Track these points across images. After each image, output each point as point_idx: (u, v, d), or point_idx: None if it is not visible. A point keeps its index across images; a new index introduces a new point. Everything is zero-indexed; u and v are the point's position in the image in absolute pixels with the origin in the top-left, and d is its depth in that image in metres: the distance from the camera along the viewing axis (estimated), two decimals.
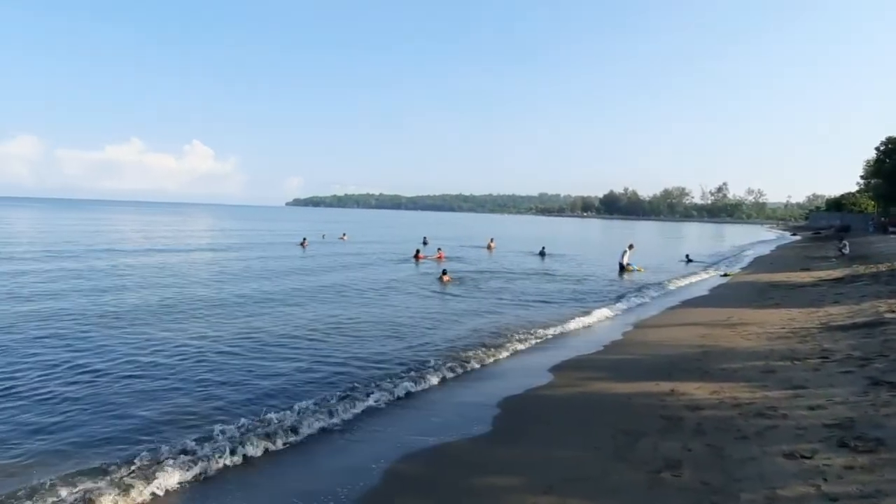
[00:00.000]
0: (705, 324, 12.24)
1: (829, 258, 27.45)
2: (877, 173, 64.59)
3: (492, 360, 9.81)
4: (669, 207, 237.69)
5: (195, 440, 6.09)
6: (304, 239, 38.26)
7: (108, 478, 5.20)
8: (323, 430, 6.58)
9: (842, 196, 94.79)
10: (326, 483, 5.25)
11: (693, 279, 22.98)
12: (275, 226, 71.27)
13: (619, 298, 17.13)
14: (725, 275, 24.23)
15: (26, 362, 8.80)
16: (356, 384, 8.17)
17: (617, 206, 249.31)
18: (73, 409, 6.97)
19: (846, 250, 28.50)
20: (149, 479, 5.17)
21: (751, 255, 37.39)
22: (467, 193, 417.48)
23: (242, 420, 6.66)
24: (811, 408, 6.06)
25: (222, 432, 6.29)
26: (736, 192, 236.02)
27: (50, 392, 7.53)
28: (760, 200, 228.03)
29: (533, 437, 6.27)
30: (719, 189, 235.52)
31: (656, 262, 29.85)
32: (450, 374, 8.80)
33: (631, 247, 26.32)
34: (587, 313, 14.40)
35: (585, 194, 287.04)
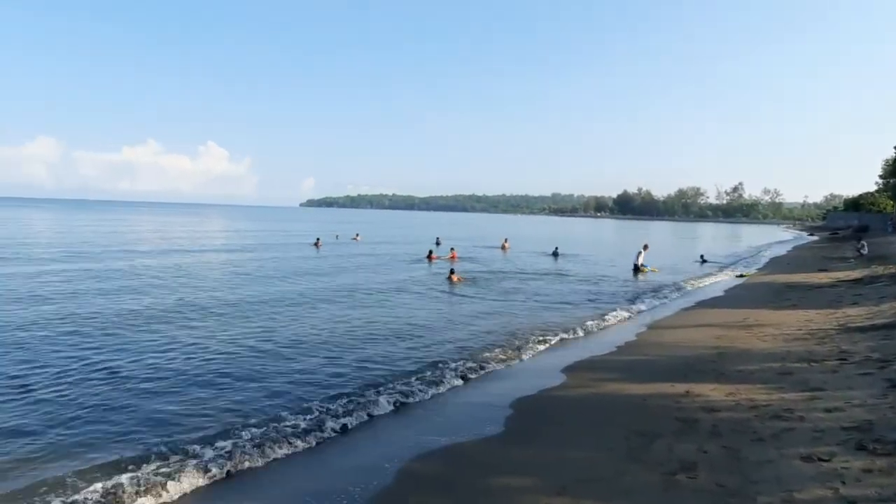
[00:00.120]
0: (721, 325, 12.13)
1: (847, 259, 27.08)
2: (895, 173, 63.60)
3: (504, 360, 9.78)
4: (684, 207, 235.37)
5: (208, 441, 6.16)
6: (318, 239, 38.43)
7: (127, 476, 5.27)
8: (336, 429, 6.60)
9: (860, 196, 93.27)
10: (340, 482, 5.27)
11: (708, 280, 22.77)
12: (289, 226, 71.66)
13: (634, 299, 17.02)
14: (741, 275, 23.99)
15: (45, 360, 8.93)
16: (369, 384, 8.21)
17: (630, 207, 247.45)
18: (90, 408, 7.05)
19: (864, 251, 28.06)
20: (165, 479, 5.23)
21: (767, 255, 36.98)
22: (480, 194, 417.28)
23: (257, 420, 6.74)
24: (829, 410, 5.99)
25: (238, 433, 6.35)
26: (752, 191, 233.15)
27: (67, 389, 7.63)
28: (777, 200, 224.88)
29: (546, 438, 6.25)
30: (735, 189, 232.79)
31: (671, 262, 29.62)
32: (462, 375, 8.79)
33: (646, 247, 26.14)
34: (601, 314, 14.33)
35: (599, 194, 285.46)
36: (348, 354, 9.87)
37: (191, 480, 5.24)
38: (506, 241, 39.48)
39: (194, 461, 5.60)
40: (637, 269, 24.49)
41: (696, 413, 6.44)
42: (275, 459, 5.84)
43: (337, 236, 46.67)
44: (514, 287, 19.11)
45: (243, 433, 6.31)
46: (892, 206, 74.50)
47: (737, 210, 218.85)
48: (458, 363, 9.40)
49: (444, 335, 11.60)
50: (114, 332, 11.01)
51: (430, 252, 29.57)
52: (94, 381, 8.04)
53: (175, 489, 5.10)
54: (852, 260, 26.05)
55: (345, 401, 7.47)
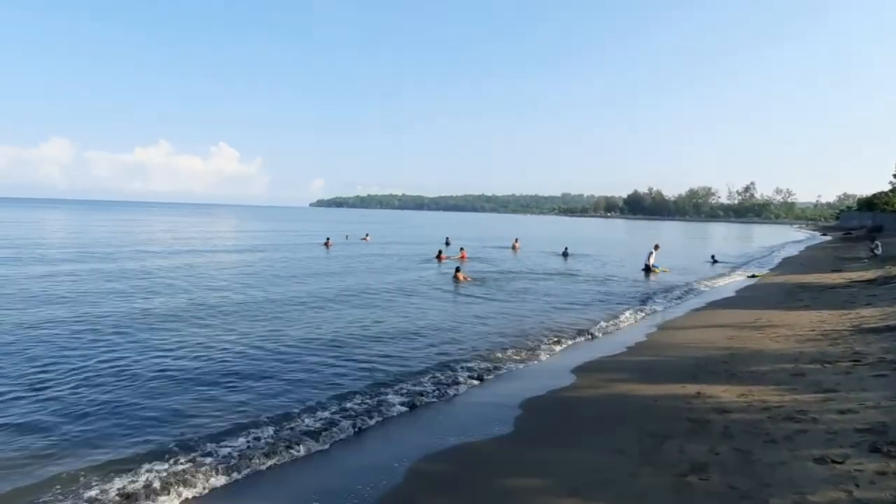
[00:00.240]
0: (732, 325, 12.05)
1: (860, 259, 26.79)
2: None
3: (514, 360, 9.77)
4: (695, 207, 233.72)
5: (220, 441, 6.22)
6: (328, 239, 38.57)
7: (142, 474, 5.34)
8: (347, 429, 6.61)
9: (874, 195, 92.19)
10: (350, 481, 5.30)
11: (720, 280, 22.63)
12: (299, 226, 71.93)
13: (645, 300, 16.96)
14: (753, 276, 23.81)
15: (58, 359, 9.03)
16: (379, 384, 8.24)
17: (641, 206, 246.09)
18: (103, 406, 7.12)
19: (878, 251, 27.75)
20: (178, 479, 5.28)
21: (779, 255, 36.69)
22: (490, 194, 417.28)
23: (269, 421, 6.80)
24: (842, 412, 5.92)
25: (250, 433, 6.40)
26: (764, 191, 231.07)
27: (81, 388, 7.71)
28: (789, 200, 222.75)
29: (556, 439, 6.24)
30: (746, 188, 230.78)
31: (681, 263, 29.45)
32: (472, 375, 8.78)
33: (657, 247, 26.01)
34: (612, 315, 14.28)
35: (609, 194, 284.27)
36: (358, 354, 9.90)
37: (203, 481, 5.27)
38: (516, 241, 39.40)
39: (207, 460, 5.65)
40: (648, 270, 24.38)
41: (707, 414, 6.40)
42: (287, 459, 5.86)
43: (347, 236, 46.79)
44: (524, 287, 19.08)
45: (255, 433, 6.36)
46: None
47: (748, 210, 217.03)
48: (468, 363, 9.40)
49: (453, 335, 11.60)
50: (126, 331, 11.11)
51: (440, 252, 29.58)
52: (108, 380, 8.11)
53: (187, 489, 5.14)
54: (866, 260, 25.76)
55: (356, 400, 7.50)
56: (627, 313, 14.49)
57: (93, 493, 4.98)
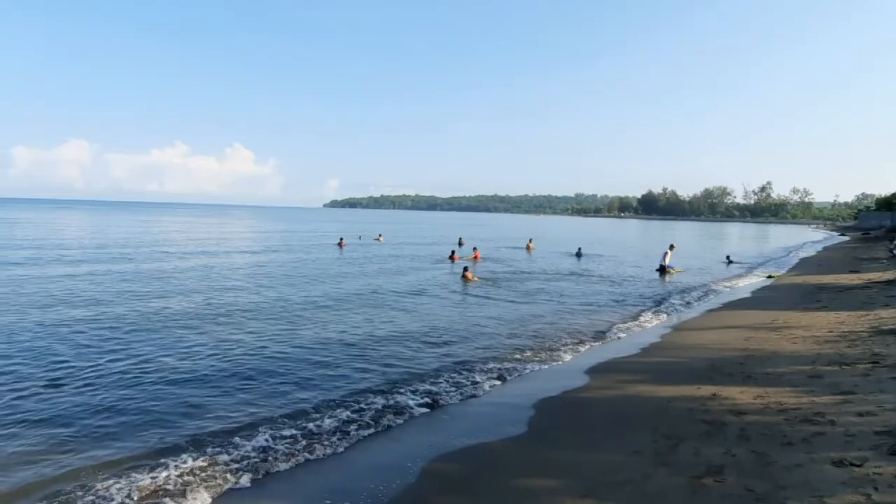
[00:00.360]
0: (748, 327, 11.94)
1: (879, 259, 26.43)
2: None
3: (527, 361, 9.76)
4: (710, 207, 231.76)
5: (235, 442, 6.29)
6: (342, 239, 38.82)
7: (161, 473, 5.42)
8: (360, 429, 6.65)
9: (893, 195, 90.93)
10: (364, 481, 5.33)
11: (736, 281, 22.42)
12: (313, 227, 72.34)
13: (660, 301, 16.85)
14: (770, 276, 23.57)
15: (76, 358, 9.16)
16: (393, 385, 8.28)
17: (655, 207, 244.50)
18: (120, 406, 7.23)
19: None
20: (194, 478, 5.36)
21: (796, 256, 36.28)
22: (503, 194, 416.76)
23: (285, 421, 6.87)
24: (860, 414, 5.86)
25: (266, 434, 6.46)
26: (780, 191, 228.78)
27: (99, 388, 7.83)
28: (806, 200, 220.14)
29: (570, 440, 6.23)
30: (763, 188, 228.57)
31: (697, 263, 29.24)
32: (486, 376, 8.79)
33: (672, 247, 25.84)
34: (626, 316, 14.22)
35: (623, 194, 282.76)
36: (372, 354, 9.95)
37: (220, 479, 5.33)
38: (531, 241, 39.32)
39: (223, 459, 5.73)
40: (663, 270, 24.22)
41: (723, 416, 6.35)
42: (301, 460, 5.90)
43: (360, 237, 46.96)
44: (537, 288, 19.04)
45: (270, 433, 6.43)
46: None
47: (765, 210, 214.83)
48: (481, 364, 9.42)
49: (466, 336, 11.61)
50: (143, 331, 11.26)
51: (453, 252, 29.62)
52: (124, 378, 8.23)
53: (205, 489, 5.19)
54: (885, 261, 25.42)
55: (369, 400, 7.55)
56: (642, 314, 14.41)
57: (110, 489, 5.06)
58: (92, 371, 8.54)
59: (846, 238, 62.22)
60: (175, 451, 5.93)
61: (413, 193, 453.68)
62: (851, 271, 22.27)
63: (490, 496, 4.97)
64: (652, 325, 13.24)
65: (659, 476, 4.99)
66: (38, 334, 10.69)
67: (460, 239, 42.39)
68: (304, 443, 6.18)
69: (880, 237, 51.11)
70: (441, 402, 7.65)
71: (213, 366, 9.02)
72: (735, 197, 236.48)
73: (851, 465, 4.68)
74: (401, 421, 6.97)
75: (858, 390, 6.69)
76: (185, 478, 5.30)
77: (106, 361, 9.06)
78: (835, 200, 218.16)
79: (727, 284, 21.29)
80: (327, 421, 6.81)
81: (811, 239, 63.76)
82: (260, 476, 5.47)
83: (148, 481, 5.22)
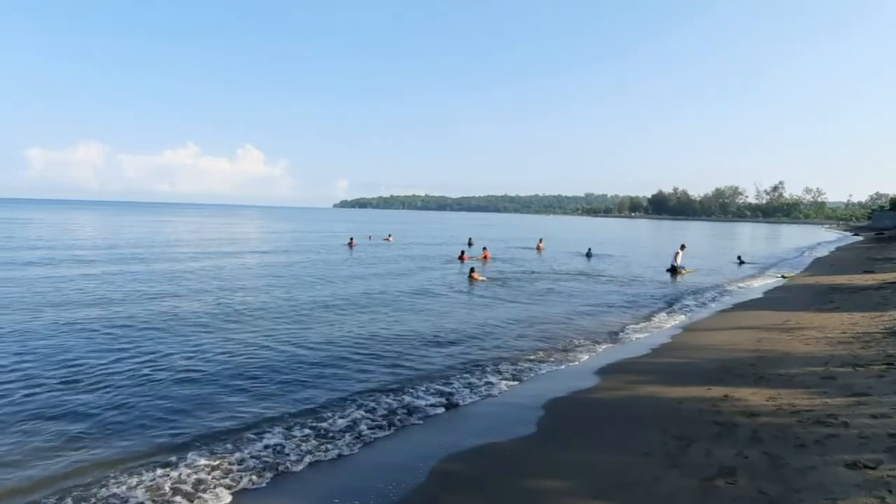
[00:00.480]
0: (761, 327, 11.85)
1: (893, 260, 26.14)
2: None
3: (537, 361, 9.73)
4: (721, 207, 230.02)
5: (246, 442, 6.32)
6: (352, 239, 38.95)
7: (173, 472, 5.46)
8: (371, 429, 6.66)
9: None
10: (374, 481, 5.33)
11: (747, 281, 22.24)
12: (323, 227, 72.58)
13: (672, 301, 16.74)
14: (783, 276, 23.37)
15: (89, 358, 9.24)
16: (403, 385, 8.29)
17: (666, 206, 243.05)
18: (132, 404, 7.29)
19: None
20: (205, 477, 5.39)
21: (809, 256, 35.95)
22: (513, 194, 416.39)
23: (294, 420, 6.89)
24: (875, 416, 5.79)
25: (278, 434, 6.50)
26: (793, 190, 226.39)
27: (111, 385, 7.90)
28: (819, 199, 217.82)
29: (579, 440, 6.20)
30: (775, 188, 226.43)
31: (708, 263, 29.05)
32: (495, 376, 8.79)
33: (683, 247, 25.68)
34: (636, 316, 14.16)
35: (633, 194, 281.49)
36: (382, 354, 9.96)
37: (230, 480, 5.35)
38: (541, 241, 39.21)
39: (234, 460, 5.75)
40: (674, 270, 24.08)
41: (734, 417, 6.31)
42: (312, 460, 5.91)
43: (370, 237, 47.06)
44: (547, 288, 19.00)
45: (282, 433, 6.46)
46: None
47: (777, 210, 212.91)
48: (491, 364, 9.41)
49: (476, 336, 11.60)
50: (155, 331, 11.34)
51: (462, 252, 29.61)
52: (137, 377, 8.30)
53: (215, 488, 5.22)
54: None
55: (380, 400, 7.56)
56: (654, 315, 14.34)
57: (124, 485, 5.11)
58: (104, 369, 8.62)
59: (860, 238, 61.61)
60: (187, 449, 5.97)
61: (423, 193, 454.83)
62: (865, 272, 22.04)
63: (499, 496, 4.96)
64: (663, 326, 13.13)
65: (670, 478, 4.96)
66: (52, 333, 10.81)
67: (470, 239, 42.36)
68: (314, 442, 6.20)
69: (894, 237, 50.50)
70: (450, 401, 7.64)
71: (224, 365, 9.07)
72: (747, 197, 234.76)
73: (866, 467, 4.63)
74: (410, 421, 6.97)
75: (873, 392, 6.61)
76: (198, 475, 5.34)
77: (118, 360, 9.14)
78: (848, 200, 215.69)
79: (740, 285, 21.13)
80: (338, 420, 6.83)
81: (824, 239, 63.18)
82: (271, 475, 5.49)
83: (161, 479, 5.26)
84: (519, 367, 9.28)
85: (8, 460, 5.68)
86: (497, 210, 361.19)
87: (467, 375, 8.77)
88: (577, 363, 9.76)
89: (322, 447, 6.10)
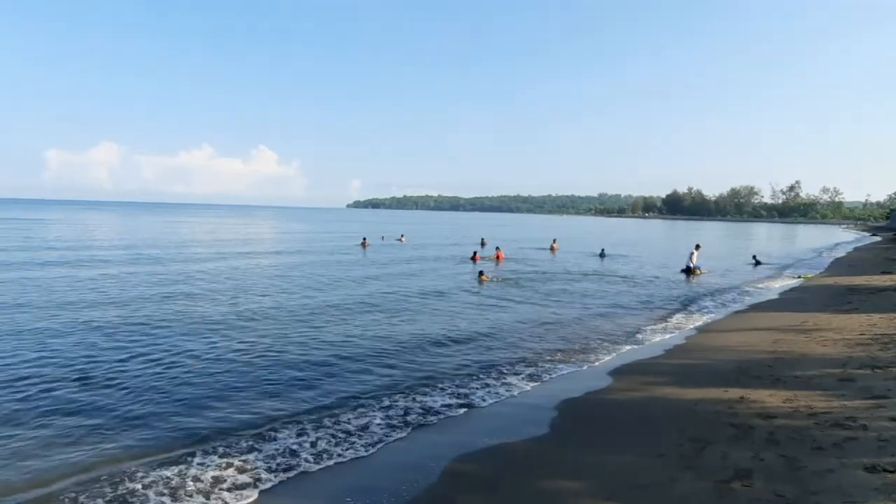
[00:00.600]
0: (777, 328, 11.72)
1: None
2: None
3: (551, 362, 9.70)
4: (737, 207, 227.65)
5: (259, 441, 6.37)
6: (364, 239, 39.06)
7: (187, 471, 5.51)
8: (383, 428, 6.69)
9: None
10: (387, 480, 5.35)
11: (763, 282, 22.01)
12: (337, 227, 72.89)
13: (687, 302, 16.60)
14: (799, 277, 23.10)
15: (104, 357, 9.36)
16: (416, 385, 8.31)
17: (680, 207, 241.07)
18: (147, 401, 7.37)
19: None
20: (218, 475, 5.44)
21: (826, 257, 35.51)
22: (526, 195, 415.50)
23: (308, 420, 6.94)
24: (894, 419, 5.72)
25: (293, 433, 6.55)
26: (809, 190, 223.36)
27: (126, 384, 7.99)
28: (836, 199, 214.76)
29: (593, 441, 6.18)
30: (791, 188, 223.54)
31: (723, 264, 28.80)
32: (508, 377, 8.78)
33: (698, 247, 25.48)
34: (651, 317, 14.06)
35: (647, 194, 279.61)
36: (396, 355, 9.98)
37: (244, 478, 5.40)
38: (554, 241, 39.05)
39: (249, 459, 5.80)
40: (689, 271, 23.90)
41: (751, 419, 6.25)
42: (326, 461, 5.94)
43: (383, 237, 47.15)
44: (560, 289, 18.93)
45: (296, 432, 6.51)
46: None
47: (793, 210, 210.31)
48: (505, 365, 9.40)
49: (490, 337, 11.59)
50: (170, 331, 11.46)
51: (475, 253, 29.59)
52: (153, 377, 8.38)
53: (229, 486, 5.27)
54: None
55: (393, 400, 7.59)
56: (669, 316, 14.23)
57: (139, 482, 5.18)
58: (121, 367, 8.74)
59: (878, 238, 60.75)
60: (202, 447, 6.02)
61: (436, 194, 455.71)
62: (883, 272, 21.73)
63: (512, 497, 4.95)
64: (680, 328, 13.00)
65: (685, 480, 4.93)
66: (70, 331, 10.96)
67: (483, 239, 42.32)
68: (328, 441, 6.23)
69: None
70: (463, 402, 7.64)
71: (239, 364, 9.14)
72: (763, 196, 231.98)
73: (885, 470, 4.57)
74: (423, 421, 6.98)
75: (892, 394, 6.53)
76: (215, 473, 5.40)
77: (134, 359, 9.24)
78: (866, 200, 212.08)
79: (757, 286, 20.91)
80: (353, 420, 6.86)
81: (842, 239, 62.34)
82: (283, 474, 5.52)
83: (178, 476, 5.32)
84: (532, 368, 9.26)
85: (28, 454, 5.79)
86: (510, 210, 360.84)
87: (483, 376, 8.77)
88: (592, 364, 9.71)
89: (335, 446, 6.13)
